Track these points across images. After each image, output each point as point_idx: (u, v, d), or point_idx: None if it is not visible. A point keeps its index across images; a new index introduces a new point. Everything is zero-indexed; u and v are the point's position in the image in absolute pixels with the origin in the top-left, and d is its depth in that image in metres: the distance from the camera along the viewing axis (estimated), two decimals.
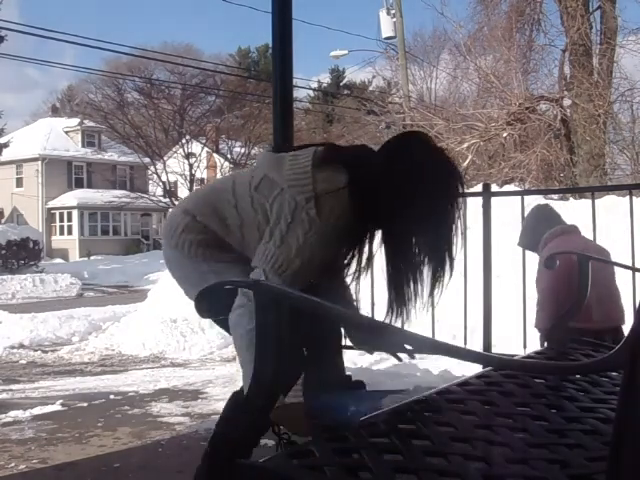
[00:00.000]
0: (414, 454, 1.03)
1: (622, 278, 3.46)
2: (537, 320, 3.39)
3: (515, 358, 1.64)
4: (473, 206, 4.34)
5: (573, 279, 3.19)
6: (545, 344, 3.41)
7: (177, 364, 6.82)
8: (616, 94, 13.56)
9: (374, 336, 1.92)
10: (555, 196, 9.63)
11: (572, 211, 7.65)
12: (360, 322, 1.12)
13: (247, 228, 1.98)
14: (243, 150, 29.84)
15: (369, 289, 4.53)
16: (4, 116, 22.59)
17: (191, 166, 30.10)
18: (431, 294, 1.84)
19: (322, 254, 1.88)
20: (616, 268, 3.34)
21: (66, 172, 32.99)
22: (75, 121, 33.79)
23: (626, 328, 3.32)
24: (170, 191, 30.74)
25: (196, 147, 30.78)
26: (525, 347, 3.61)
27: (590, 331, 3.19)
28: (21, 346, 7.96)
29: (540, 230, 3.42)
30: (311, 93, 37.79)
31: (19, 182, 32.61)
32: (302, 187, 1.86)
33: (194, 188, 30.63)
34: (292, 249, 1.83)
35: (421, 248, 1.84)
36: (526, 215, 3.66)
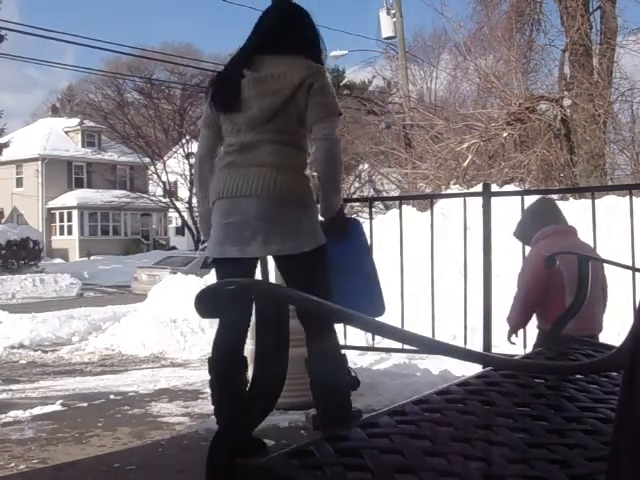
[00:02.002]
0: (414, 454, 1.03)
1: (622, 278, 3.46)
2: (509, 314, 3.39)
3: (515, 358, 1.64)
4: (473, 206, 4.35)
5: (551, 282, 3.21)
6: (512, 338, 3.42)
7: (177, 364, 6.82)
8: (616, 94, 13.57)
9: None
10: (555, 196, 9.62)
11: (572, 211, 7.65)
12: (360, 322, 1.12)
13: None
14: None
15: None
16: (4, 116, 22.65)
17: (191, 166, 30.08)
18: None
19: None
20: (613, 271, 3.34)
21: (66, 172, 33.00)
22: (75, 121, 33.80)
23: (602, 336, 3.34)
24: (170, 191, 30.76)
25: (196, 147, 30.76)
26: (525, 347, 3.62)
27: (564, 335, 3.20)
28: (21, 346, 7.96)
29: (535, 226, 3.41)
30: None
31: (19, 182, 32.63)
32: None
33: (194, 188, 30.64)
34: None
35: None
36: (528, 205, 3.64)
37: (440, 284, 4.54)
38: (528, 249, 3.54)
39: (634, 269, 3.20)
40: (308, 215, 2.62)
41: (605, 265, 3.32)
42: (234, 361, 2.71)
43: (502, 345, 3.59)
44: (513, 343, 3.40)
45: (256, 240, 2.54)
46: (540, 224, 3.40)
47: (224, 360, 2.76)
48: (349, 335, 4.54)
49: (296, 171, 2.63)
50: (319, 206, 2.76)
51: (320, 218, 2.74)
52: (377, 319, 1.05)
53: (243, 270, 2.58)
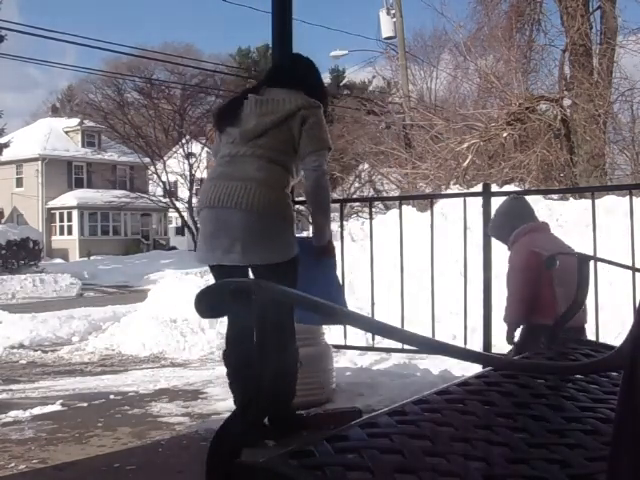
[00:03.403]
0: (414, 454, 1.03)
1: (622, 278, 3.46)
2: (505, 314, 3.44)
3: (515, 358, 1.64)
4: (473, 206, 4.35)
5: (541, 277, 3.26)
6: (518, 336, 3.46)
7: (177, 364, 6.82)
8: (616, 94, 13.57)
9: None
10: (555, 196, 9.63)
11: (572, 211, 7.66)
12: (361, 322, 1.12)
13: None
14: None
15: (369, 289, 4.53)
16: (4, 116, 22.60)
17: (191, 166, 30.11)
18: None
19: None
20: (613, 271, 3.36)
21: (66, 172, 32.99)
22: (75, 121, 33.79)
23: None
24: (170, 191, 30.74)
25: (196, 147, 30.77)
26: None
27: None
28: (21, 346, 7.95)
29: (512, 224, 3.50)
30: None
31: (19, 182, 32.62)
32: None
33: (194, 188, 30.65)
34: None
35: None
36: (500, 204, 3.70)
37: (440, 284, 4.54)
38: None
39: (634, 269, 3.20)
40: (285, 230, 2.88)
41: (605, 265, 3.33)
42: (245, 353, 2.81)
43: (502, 345, 3.59)
44: (514, 343, 3.42)
45: (235, 249, 2.79)
46: (517, 222, 3.51)
47: (236, 352, 2.93)
48: (349, 335, 4.54)
49: (278, 188, 2.88)
50: (311, 232, 3.11)
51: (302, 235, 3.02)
52: (377, 319, 1.05)
53: (235, 276, 2.65)
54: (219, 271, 2.88)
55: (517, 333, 3.49)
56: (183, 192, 31.08)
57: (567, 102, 13.83)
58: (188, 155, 29.90)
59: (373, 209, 4.97)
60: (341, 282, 3.47)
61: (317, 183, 2.92)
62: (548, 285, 3.26)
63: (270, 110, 2.91)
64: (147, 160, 30.63)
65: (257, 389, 1.06)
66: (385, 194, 19.62)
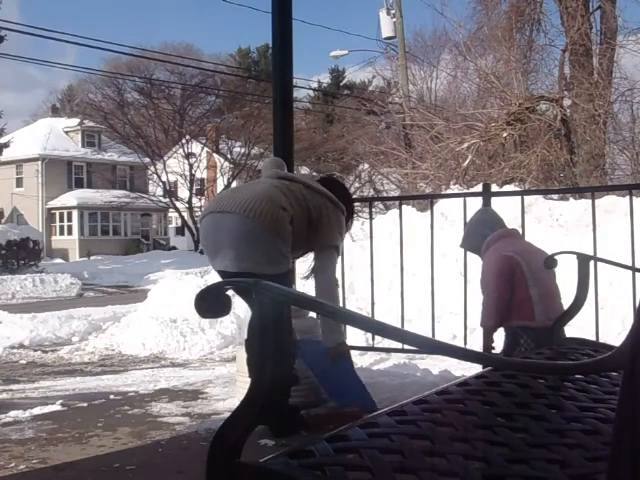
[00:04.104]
0: (414, 454, 1.03)
1: (622, 278, 3.46)
2: (482, 319, 3.45)
3: (515, 358, 1.64)
4: (473, 206, 4.34)
5: (515, 279, 3.29)
6: (503, 342, 3.47)
7: (177, 364, 6.82)
8: (616, 94, 13.56)
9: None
10: (555, 196, 9.64)
11: (572, 211, 7.66)
12: (361, 322, 1.12)
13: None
14: (243, 150, 29.81)
15: (369, 289, 4.53)
16: (4, 116, 22.54)
17: (191, 166, 30.09)
18: None
19: None
20: (613, 272, 3.36)
21: (66, 172, 32.98)
22: (75, 121, 33.77)
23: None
24: (170, 191, 30.73)
25: (196, 147, 30.76)
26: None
27: (532, 329, 3.25)
28: (21, 346, 7.95)
29: (483, 233, 3.55)
30: (311, 93, 37.82)
31: (19, 182, 32.60)
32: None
33: (194, 188, 30.64)
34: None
35: None
36: (469, 218, 3.76)
37: (440, 284, 4.54)
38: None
39: (634, 269, 3.21)
40: (278, 244, 2.95)
41: (604, 265, 3.33)
42: None
43: (502, 345, 3.59)
44: (494, 348, 3.44)
45: (227, 256, 2.90)
46: (488, 231, 3.55)
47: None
48: (349, 335, 4.54)
49: (281, 207, 2.98)
50: (321, 333, 3.22)
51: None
52: (377, 319, 1.05)
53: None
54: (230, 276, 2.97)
55: (496, 338, 3.50)
56: (183, 192, 31.07)
57: (567, 102, 13.83)
58: (188, 155, 29.88)
59: (373, 209, 4.96)
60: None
61: (326, 284, 3.14)
62: (523, 287, 3.29)
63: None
64: (147, 160, 30.62)
65: (258, 388, 1.06)
66: (385, 194, 19.60)
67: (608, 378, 1.47)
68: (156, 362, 6.97)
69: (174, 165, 29.88)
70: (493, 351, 3.43)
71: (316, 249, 3.16)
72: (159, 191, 31.80)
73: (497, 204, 4.14)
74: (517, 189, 9.15)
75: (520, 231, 3.82)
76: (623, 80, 13.48)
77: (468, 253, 4.20)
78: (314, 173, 24.76)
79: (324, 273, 3.13)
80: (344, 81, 39.78)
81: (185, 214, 30.67)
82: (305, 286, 4.07)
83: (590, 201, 4.21)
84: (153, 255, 27.58)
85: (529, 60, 14.64)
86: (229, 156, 30.84)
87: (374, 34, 36.52)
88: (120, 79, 30.02)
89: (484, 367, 1.59)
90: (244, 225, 2.89)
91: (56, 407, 4.08)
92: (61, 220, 32.50)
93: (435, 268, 4.29)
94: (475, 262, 4.11)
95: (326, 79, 42.04)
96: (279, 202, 2.98)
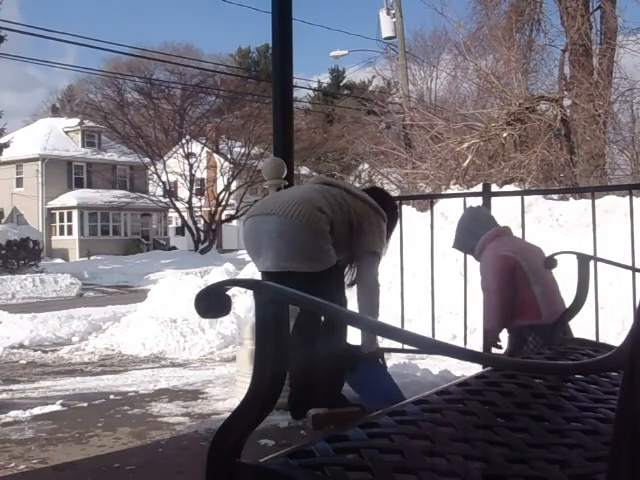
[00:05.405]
0: (414, 454, 1.03)
1: (622, 278, 3.46)
2: (485, 320, 3.43)
3: (515, 358, 1.64)
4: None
5: (515, 278, 3.28)
6: (505, 340, 3.46)
7: (177, 364, 6.82)
8: (616, 94, 13.55)
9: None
10: (555, 196, 9.63)
11: (572, 211, 7.66)
12: (361, 322, 1.12)
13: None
14: (243, 150, 29.81)
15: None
16: (4, 116, 22.58)
17: (191, 166, 30.08)
18: None
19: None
20: (613, 272, 3.36)
21: (66, 172, 32.98)
22: (75, 121, 33.76)
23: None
24: (170, 191, 30.72)
25: (196, 147, 30.76)
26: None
27: (539, 326, 3.24)
28: (21, 346, 7.95)
29: (476, 233, 3.51)
30: (311, 93, 37.84)
31: (19, 182, 32.60)
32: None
33: (194, 188, 30.63)
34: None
35: None
36: (460, 217, 3.72)
37: (440, 284, 4.54)
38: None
39: (634, 269, 3.20)
40: (316, 242, 2.98)
41: (604, 265, 3.33)
42: (298, 341, 3.06)
43: (502, 345, 3.58)
44: (500, 347, 3.42)
45: (268, 256, 2.97)
46: (480, 231, 3.52)
47: (292, 340, 3.11)
48: (349, 335, 4.54)
49: (318, 208, 3.01)
50: (360, 340, 3.33)
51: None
52: (377, 319, 1.05)
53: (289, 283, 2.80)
54: (276, 278, 2.99)
55: (502, 339, 3.48)
56: (183, 192, 31.07)
57: (567, 102, 13.82)
58: (188, 155, 29.87)
59: None
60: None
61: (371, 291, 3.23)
62: (525, 286, 3.28)
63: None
64: (147, 160, 30.61)
65: (258, 388, 1.06)
66: None
67: (608, 378, 1.47)
68: (156, 362, 6.97)
69: (174, 165, 29.87)
70: (499, 351, 3.42)
71: (357, 255, 3.21)
72: (159, 191, 31.79)
73: (497, 204, 4.14)
74: (517, 189, 9.15)
75: (518, 230, 3.81)
76: (623, 80, 13.49)
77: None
78: (314, 173, 24.75)
79: (363, 279, 3.19)
80: (344, 81, 39.81)
81: (185, 214, 30.67)
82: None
83: (590, 201, 4.21)
84: (153, 255, 27.59)
85: (529, 60, 14.63)
86: (229, 156, 30.83)
87: (374, 34, 36.51)
88: (120, 79, 30.03)
89: (484, 367, 1.60)
90: (281, 226, 2.94)
91: (56, 407, 4.08)
92: (61, 220, 32.50)
93: (435, 268, 4.29)
94: (475, 262, 4.11)
95: (326, 79, 42.10)
96: (317, 204, 3.02)
